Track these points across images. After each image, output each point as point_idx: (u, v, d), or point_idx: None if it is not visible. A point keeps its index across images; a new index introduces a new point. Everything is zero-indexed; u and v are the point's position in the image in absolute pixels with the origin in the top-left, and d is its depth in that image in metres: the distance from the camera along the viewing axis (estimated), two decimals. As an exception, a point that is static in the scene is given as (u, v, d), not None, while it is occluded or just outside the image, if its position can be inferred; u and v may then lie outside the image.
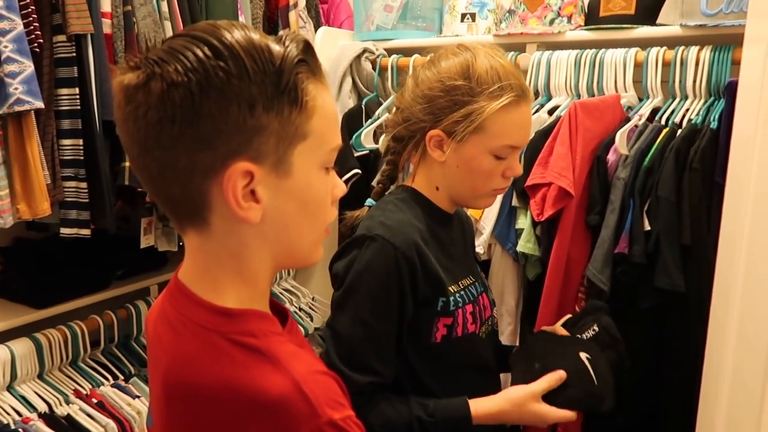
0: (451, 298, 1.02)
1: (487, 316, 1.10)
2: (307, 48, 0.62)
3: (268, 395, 0.57)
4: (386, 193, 1.13)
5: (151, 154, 0.59)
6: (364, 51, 1.87)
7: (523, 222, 1.47)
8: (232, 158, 0.58)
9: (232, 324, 0.62)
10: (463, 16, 1.82)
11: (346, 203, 1.88)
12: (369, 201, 1.16)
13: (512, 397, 1.02)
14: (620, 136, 1.41)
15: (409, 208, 1.04)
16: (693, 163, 1.32)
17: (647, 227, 1.34)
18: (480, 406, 1.00)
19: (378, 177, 1.19)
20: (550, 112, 1.59)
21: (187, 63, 0.56)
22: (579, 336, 1.11)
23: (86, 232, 1.46)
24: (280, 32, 0.63)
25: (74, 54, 1.39)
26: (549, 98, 1.64)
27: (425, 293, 0.99)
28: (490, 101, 0.98)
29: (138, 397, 1.60)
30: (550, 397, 1.02)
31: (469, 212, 1.37)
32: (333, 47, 1.92)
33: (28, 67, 1.28)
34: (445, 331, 1.01)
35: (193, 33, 0.59)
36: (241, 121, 0.57)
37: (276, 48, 0.60)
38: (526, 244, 1.45)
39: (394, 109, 1.13)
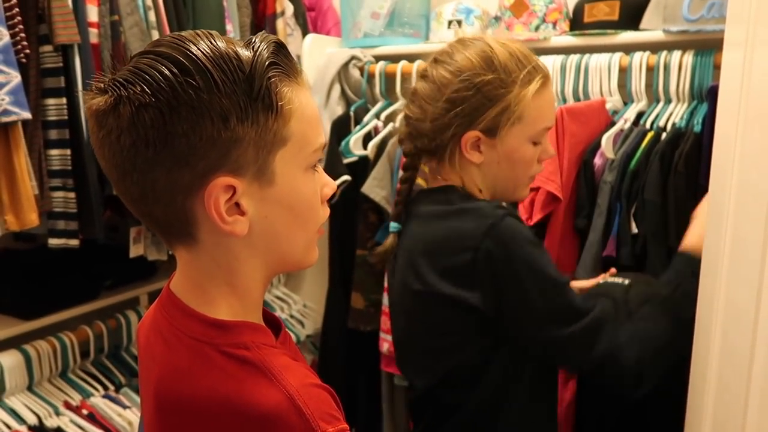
0: None
1: None
2: (279, 49, 0.60)
3: (261, 409, 0.57)
4: (419, 199, 1.09)
5: (130, 177, 0.58)
6: (352, 58, 1.88)
7: (513, 226, 1.48)
8: (211, 174, 0.57)
9: (225, 336, 0.62)
10: (450, 22, 1.83)
11: (336, 211, 1.89)
12: (393, 225, 1.11)
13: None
14: (606, 140, 1.43)
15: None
16: (678, 167, 1.34)
17: (634, 230, 1.36)
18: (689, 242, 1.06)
19: (397, 197, 1.14)
20: (537, 117, 1.60)
21: (153, 83, 0.55)
22: None
23: (75, 242, 1.45)
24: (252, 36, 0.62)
25: (61, 64, 1.39)
26: (535, 103, 1.65)
27: None
28: (524, 88, 0.97)
29: (129, 407, 1.59)
30: None
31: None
32: (321, 54, 1.93)
33: (15, 77, 1.27)
34: None
35: (158, 50, 0.57)
36: (215, 136, 0.56)
37: (245, 54, 0.58)
38: (515, 249, 1.46)
39: (405, 121, 1.07)
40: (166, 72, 0.55)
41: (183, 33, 0.59)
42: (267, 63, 0.58)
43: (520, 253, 0.95)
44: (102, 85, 0.57)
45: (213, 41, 0.58)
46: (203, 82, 0.55)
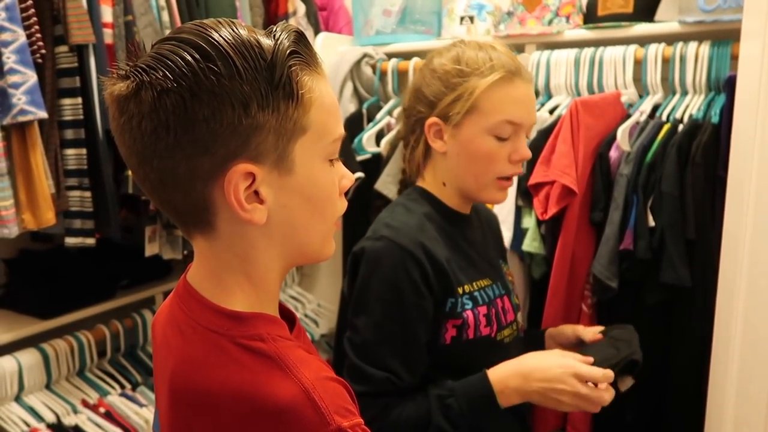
0: (460, 299, 1.00)
1: (509, 320, 1.07)
2: (299, 38, 0.60)
3: (276, 401, 0.56)
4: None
5: (150, 164, 0.57)
6: (364, 56, 1.88)
7: (529, 221, 1.47)
8: (231, 161, 0.57)
9: (241, 328, 0.61)
10: (462, 18, 1.83)
11: (349, 208, 1.90)
12: None
13: (531, 353, 0.99)
14: (622, 133, 1.41)
15: (419, 208, 1.04)
16: (695, 158, 1.32)
17: (651, 223, 1.34)
18: (497, 366, 0.97)
19: (399, 186, 1.21)
20: (551, 112, 1.59)
21: (175, 68, 0.55)
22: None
23: (91, 241, 1.47)
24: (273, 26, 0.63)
25: (76, 64, 1.40)
26: (549, 97, 1.64)
27: (437, 292, 0.99)
28: (480, 79, 0.99)
29: (145, 405, 1.60)
30: None
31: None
32: (333, 53, 1.93)
33: (31, 77, 1.28)
34: (455, 333, 1.00)
35: (180, 36, 0.57)
36: (236, 122, 0.56)
37: (266, 42, 0.58)
38: (531, 243, 1.45)
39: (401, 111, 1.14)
40: (188, 58, 0.55)
41: (204, 21, 0.59)
42: (288, 51, 0.58)
43: (366, 277, 0.98)
44: (123, 72, 0.57)
45: (235, 29, 0.58)
46: (225, 69, 0.55)
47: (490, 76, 0.98)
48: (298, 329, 0.71)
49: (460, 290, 1.01)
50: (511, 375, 0.95)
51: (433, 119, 1.02)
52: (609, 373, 0.93)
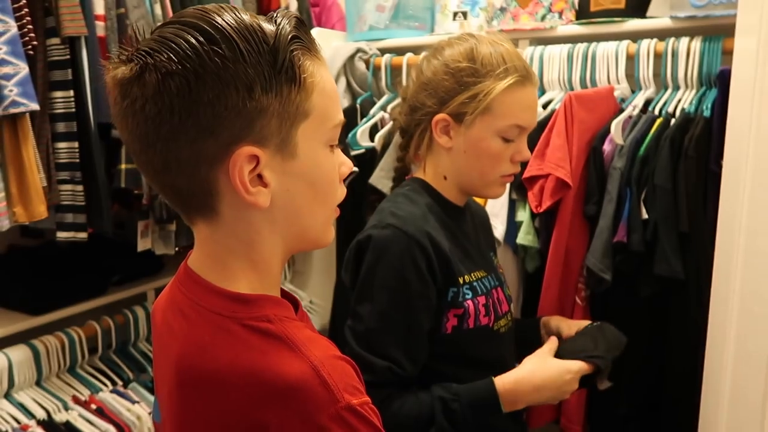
0: (461, 289, 1.01)
1: (503, 310, 1.08)
2: (300, 24, 0.61)
3: (286, 380, 0.56)
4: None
5: (154, 148, 0.57)
6: (358, 51, 1.88)
7: (523, 215, 1.48)
8: (235, 144, 0.57)
9: (247, 310, 0.61)
10: (455, 14, 1.83)
11: (343, 203, 1.90)
12: None
13: (532, 356, 1.02)
14: (615, 127, 1.42)
15: (421, 199, 1.04)
16: (688, 151, 1.33)
17: (645, 216, 1.35)
18: (505, 378, 0.99)
19: (393, 174, 1.21)
20: (545, 106, 1.60)
21: (180, 51, 0.55)
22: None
23: (83, 235, 1.45)
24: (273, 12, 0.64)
25: (68, 57, 1.39)
26: (543, 93, 1.65)
27: (440, 282, 0.99)
28: (496, 81, 0.99)
29: (137, 402, 1.59)
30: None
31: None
32: (326, 48, 1.92)
33: (23, 69, 1.27)
34: (456, 322, 1.00)
35: (183, 20, 0.57)
36: (240, 105, 0.56)
37: (268, 27, 0.58)
38: (525, 236, 1.46)
39: (400, 101, 1.13)
40: (192, 40, 0.55)
41: (206, 6, 0.59)
42: (290, 36, 0.59)
43: (372, 264, 0.98)
44: (126, 55, 0.57)
45: (237, 13, 0.58)
46: (229, 51, 0.55)
47: (506, 80, 0.99)
48: (302, 313, 0.71)
49: (461, 280, 1.01)
50: (522, 390, 0.98)
51: (442, 116, 1.02)
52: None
